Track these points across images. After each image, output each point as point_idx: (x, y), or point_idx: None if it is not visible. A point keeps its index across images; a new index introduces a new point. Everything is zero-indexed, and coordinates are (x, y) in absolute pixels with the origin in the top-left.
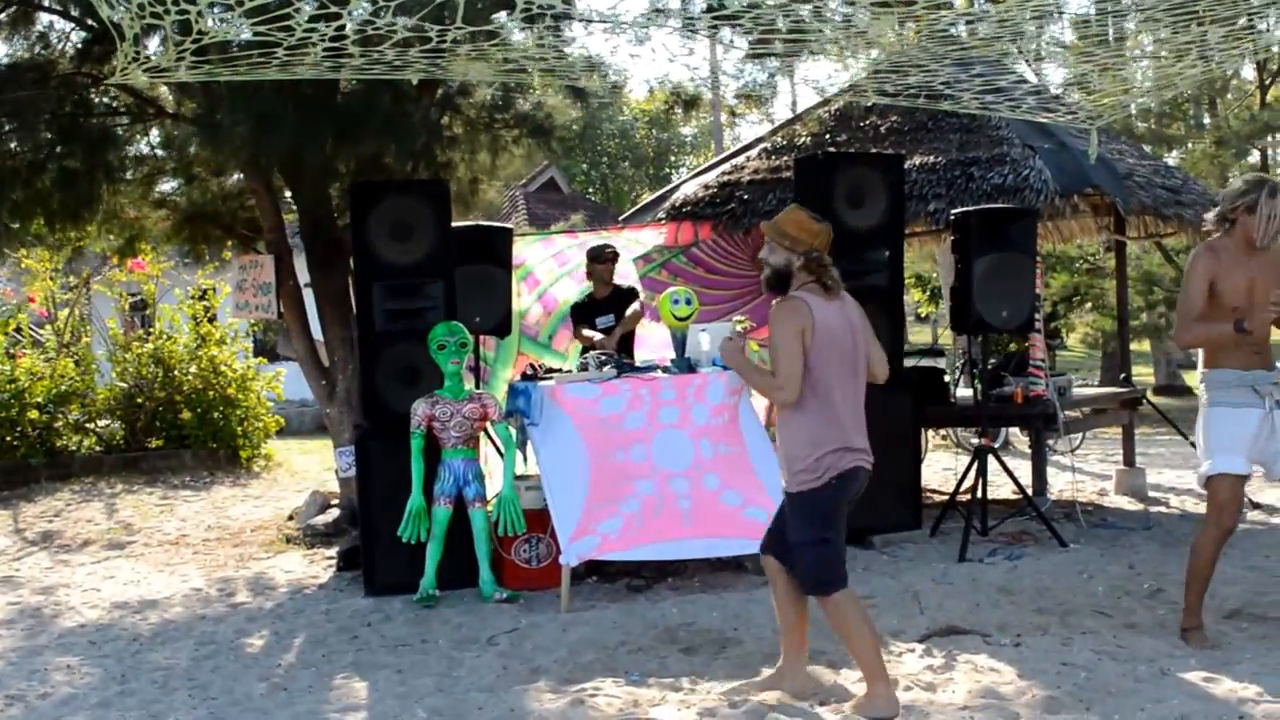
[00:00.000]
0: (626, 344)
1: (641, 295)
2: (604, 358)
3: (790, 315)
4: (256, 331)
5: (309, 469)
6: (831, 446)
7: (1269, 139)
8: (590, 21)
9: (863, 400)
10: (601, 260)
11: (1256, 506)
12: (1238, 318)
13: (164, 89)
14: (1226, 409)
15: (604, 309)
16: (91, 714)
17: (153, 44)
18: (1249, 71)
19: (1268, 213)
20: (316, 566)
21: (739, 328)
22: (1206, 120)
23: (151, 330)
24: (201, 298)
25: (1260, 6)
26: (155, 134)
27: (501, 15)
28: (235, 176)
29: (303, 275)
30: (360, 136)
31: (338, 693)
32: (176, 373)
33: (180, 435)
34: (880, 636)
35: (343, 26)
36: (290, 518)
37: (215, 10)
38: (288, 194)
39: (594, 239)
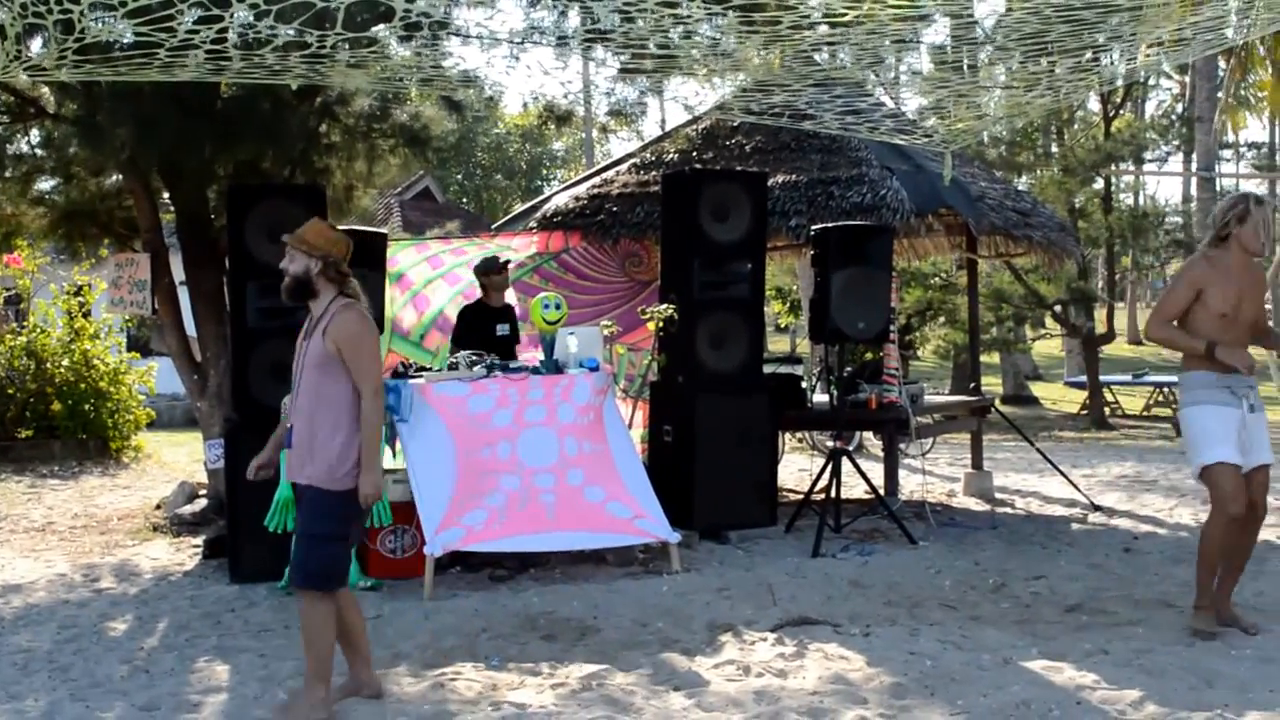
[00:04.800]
0: (509, 349)
1: (515, 300)
2: (474, 357)
3: (368, 322)
4: (130, 327)
5: (178, 461)
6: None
7: (1112, 167)
8: (468, 38)
9: None
10: (499, 270)
11: (1097, 509)
12: (1214, 339)
13: (45, 89)
14: (1209, 406)
15: (501, 317)
16: None
17: (35, 45)
18: (1094, 104)
19: (1259, 218)
20: (182, 554)
21: (606, 331)
22: (1054, 149)
23: (26, 324)
24: (77, 293)
25: (1104, 43)
26: (35, 133)
27: (381, 28)
28: (114, 177)
29: (178, 273)
30: (239, 141)
31: (199, 675)
32: (49, 365)
33: (50, 426)
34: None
35: (224, 29)
36: (158, 507)
37: (98, 11)
38: (165, 194)
39: (467, 245)
